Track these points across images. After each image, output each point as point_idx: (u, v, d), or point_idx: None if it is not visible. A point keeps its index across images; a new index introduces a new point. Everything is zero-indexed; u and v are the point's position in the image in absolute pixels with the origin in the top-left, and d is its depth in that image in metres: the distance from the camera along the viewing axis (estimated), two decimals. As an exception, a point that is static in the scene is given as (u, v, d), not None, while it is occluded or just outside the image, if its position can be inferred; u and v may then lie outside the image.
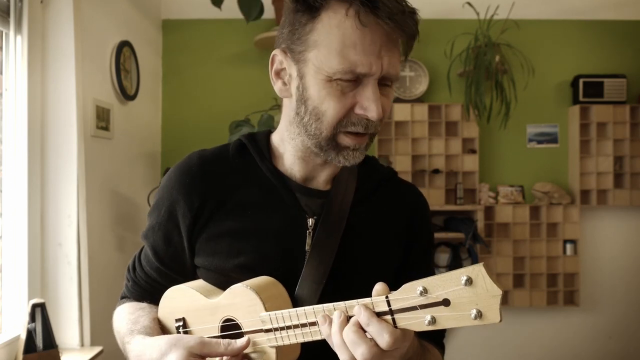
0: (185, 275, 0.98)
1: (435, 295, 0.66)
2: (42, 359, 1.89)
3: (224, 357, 0.81)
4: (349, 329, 0.70)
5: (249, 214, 0.91)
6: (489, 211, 3.33)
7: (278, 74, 0.89)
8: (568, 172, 3.45)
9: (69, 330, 2.09)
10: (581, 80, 3.33)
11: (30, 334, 1.89)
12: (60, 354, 1.95)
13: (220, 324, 0.87)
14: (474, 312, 0.63)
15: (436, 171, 3.30)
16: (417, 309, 0.67)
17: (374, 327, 0.69)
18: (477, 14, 3.11)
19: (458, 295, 0.65)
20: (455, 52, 3.19)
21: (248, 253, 0.90)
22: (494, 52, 3.08)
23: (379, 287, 0.71)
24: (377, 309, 0.70)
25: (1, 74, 2.00)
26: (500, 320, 0.63)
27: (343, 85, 0.81)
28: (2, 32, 1.99)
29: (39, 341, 1.90)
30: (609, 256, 3.47)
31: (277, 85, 0.90)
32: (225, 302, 0.86)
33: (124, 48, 2.72)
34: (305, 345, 0.83)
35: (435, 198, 3.29)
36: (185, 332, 0.92)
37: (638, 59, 3.43)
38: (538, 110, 3.44)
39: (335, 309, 0.73)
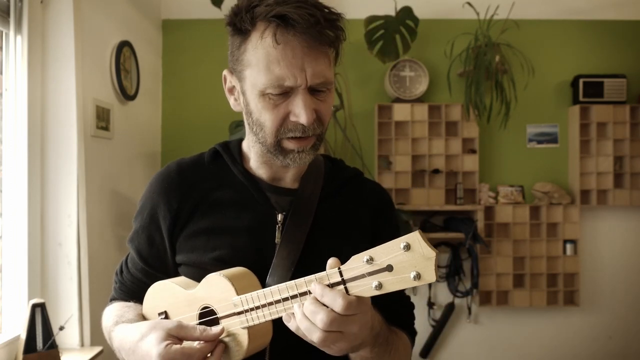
0: (168, 273, 1.05)
1: (380, 262, 0.73)
2: (42, 359, 1.89)
3: (201, 342, 0.87)
4: (307, 302, 0.78)
5: (224, 213, 1.00)
6: (489, 211, 3.33)
7: (230, 91, 1.01)
8: (568, 172, 3.45)
9: (69, 330, 2.09)
10: (581, 80, 3.33)
11: (30, 334, 1.89)
12: (60, 354, 1.95)
13: (198, 312, 0.94)
14: (413, 273, 0.70)
15: (436, 171, 3.30)
16: (366, 276, 0.75)
17: (328, 296, 0.76)
18: (477, 14, 3.11)
19: (399, 260, 0.72)
20: (455, 52, 3.20)
21: (223, 247, 0.98)
22: (494, 52, 3.08)
23: (331, 261, 0.79)
24: (332, 280, 0.77)
25: (1, 74, 2.00)
26: (436, 280, 0.72)
27: (274, 98, 0.90)
28: (2, 32, 1.99)
29: (39, 341, 1.90)
30: (609, 256, 3.47)
31: (231, 101, 1.02)
32: (202, 291, 0.93)
33: (124, 48, 2.72)
34: (276, 331, 0.90)
35: (435, 198, 3.29)
36: None
37: (638, 59, 3.43)
38: (538, 110, 3.44)
39: (297, 285, 0.81)
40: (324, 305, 0.76)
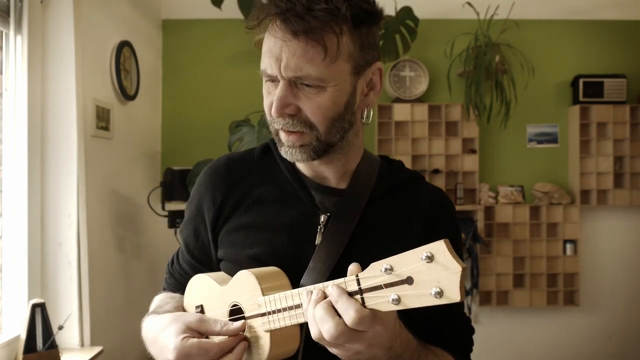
0: (212, 268, 1.03)
1: (399, 273, 0.65)
2: (42, 359, 1.89)
3: (222, 337, 0.85)
4: (320, 305, 0.73)
5: (266, 209, 0.97)
6: (489, 211, 3.34)
7: None
8: (568, 172, 3.45)
9: (69, 330, 2.09)
10: (581, 80, 3.33)
11: (31, 334, 1.89)
12: (60, 354, 1.95)
13: (229, 309, 0.91)
14: (435, 289, 0.62)
15: (436, 171, 3.30)
16: (382, 288, 0.67)
17: (342, 304, 0.70)
18: (477, 14, 3.11)
19: (420, 273, 0.63)
20: (455, 52, 3.20)
21: (261, 245, 0.95)
22: (494, 52, 3.08)
23: (352, 267, 0.73)
24: (349, 289, 0.71)
25: (1, 74, 2.00)
26: (462, 299, 0.61)
27: (268, 86, 0.90)
28: (2, 32, 1.99)
29: (39, 341, 1.90)
30: (608, 256, 3.47)
31: None
32: (233, 288, 0.91)
33: (124, 48, 2.72)
34: (307, 340, 0.84)
35: (435, 198, 3.29)
36: None
37: (638, 59, 3.43)
38: (538, 110, 3.44)
39: (317, 288, 0.75)
40: (336, 312, 0.71)
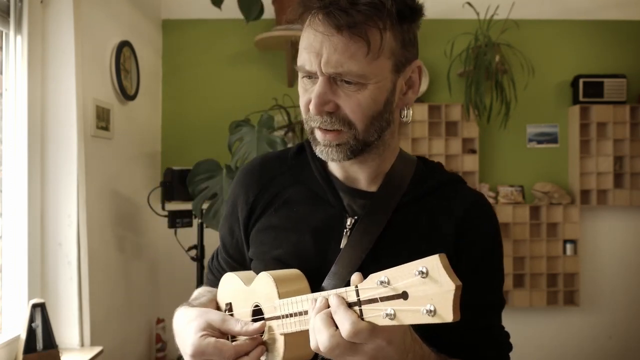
0: (246, 266, 1.03)
1: (395, 287, 0.62)
2: (42, 359, 1.89)
3: (243, 337, 0.86)
4: (319, 315, 0.71)
5: (295, 211, 0.96)
6: (489, 211, 3.33)
7: None
8: (568, 172, 3.45)
9: (69, 330, 2.10)
10: (581, 80, 3.33)
11: (30, 334, 1.89)
12: (60, 354, 1.95)
13: (252, 309, 0.91)
14: (428, 307, 0.59)
15: (436, 171, 3.29)
16: (378, 301, 0.64)
17: (339, 315, 0.68)
18: (477, 14, 3.11)
19: (415, 288, 0.60)
20: (455, 52, 3.20)
21: (285, 246, 0.94)
22: (494, 52, 3.08)
23: (354, 277, 0.70)
24: (350, 299, 0.69)
25: (1, 74, 2.00)
26: (455, 319, 0.57)
27: (305, 82, 0.87)
28: (2, 32, 1.99)
29: (39, 341, 1.90)
30: (609, 256, 3.47)
31: None
32: (255, 289, 0.91)
33: (124, 48, 2.72)
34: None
35: (435, 198, 3.29)
36: (231, 316, 0.98)
37: (638, 59, 3.43)
38: (538, 110, 3.44)
39: (321, 296, 0.73)
40: (335, 322, 0.69)
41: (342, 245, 0.91)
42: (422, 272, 0.59)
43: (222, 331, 0.87)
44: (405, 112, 0.93)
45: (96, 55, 2.52)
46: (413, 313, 0.60)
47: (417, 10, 0.87)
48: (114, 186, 2.66)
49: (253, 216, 1.00)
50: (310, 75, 0.85)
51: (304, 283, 0.87)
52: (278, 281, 0.85)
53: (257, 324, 0.85)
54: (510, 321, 3.47)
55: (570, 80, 3.41)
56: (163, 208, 2.86)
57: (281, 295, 0.83)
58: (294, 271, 0.89)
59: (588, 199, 3.36)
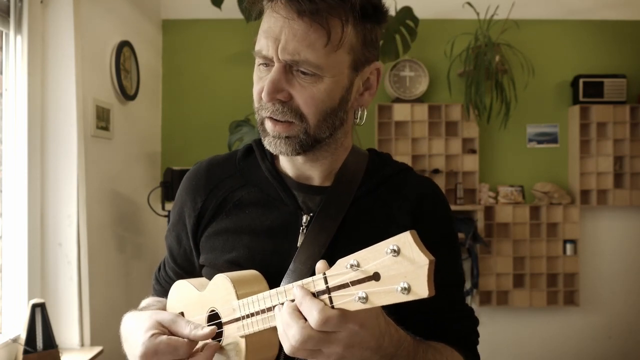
0: (195, 275, 1.00)
1: (366, 269, 0.61)
2: (42, 359, 1.89)
3: (199, 342, 0.83)
4: (285, 309, 0.68)
5: (247, 213, 0.93)
6: (489, 211, 3.33)
7: None
8: (568, 172, 3.45)
9: (69, 330, 2.10)
10: (581, 80, 3.33)
11: (30, 334, 1.89)
12: (60, 354, 1.95)
13: (207, 315, 0.88)
14: (402, 285, 0.57)
15: (436, 171, 3.30)
16: (349, 286, 0.62)
17: (305, 305, 0.66)
18: (477, 14, 3.11)
19: (387, 268, 0.59)
20: (455, 52, 3.19)
21: (239, 249, 0.91)
22: (494, 52, 3.08)
23: (319, 265, 0.68)
24: (317, 288, 0.66)
25: (1, 74, 2.00)
26: (430, 295, 0.56)
27: (260, 70, 0.85)
28: (2, 32, 1.99)
29: (39, 341, 1.90)
30: (608, 256, 3.47)
31: None
32: (210, 293, 0.87)
33: (124, 48, 2.72)
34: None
35: (435, 198, 3.29)
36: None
37: (638, 59, 3.43)
38: (538, 110, 3.44)
39: (286, 290, 0.70)
40: (302, 315, 0.67)
41: (299, 244, 0.89)
42: (394, 251, 0.58)
43: (172, 332, 0.83)
44: (360, 113, 0.91)
45: (96, 55, 2.52)
46: (387, 293, 0.59)
47: (382, 12, 0.86)
48: (114, 186, 2.66)
49: (202, 222, 0.96)
50: (267, 63, 0.83)
51: (263, 283, 0.84)
52: (235, 282, 0.81)
53: (207, 329, 0.81)
54: (510, 321, 3.47)
55: (570, 80, 3.41)
56: (163, 208, 2.86)
57: (240, 297, 0.80)
58: (252, 272, 0.86)
59: (588, 199, 3.36)
